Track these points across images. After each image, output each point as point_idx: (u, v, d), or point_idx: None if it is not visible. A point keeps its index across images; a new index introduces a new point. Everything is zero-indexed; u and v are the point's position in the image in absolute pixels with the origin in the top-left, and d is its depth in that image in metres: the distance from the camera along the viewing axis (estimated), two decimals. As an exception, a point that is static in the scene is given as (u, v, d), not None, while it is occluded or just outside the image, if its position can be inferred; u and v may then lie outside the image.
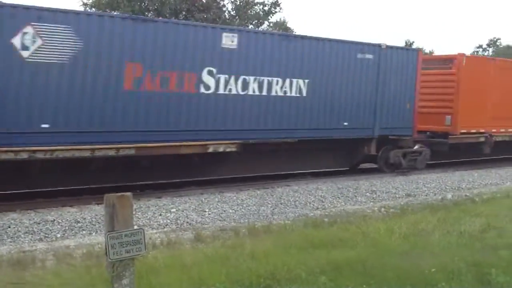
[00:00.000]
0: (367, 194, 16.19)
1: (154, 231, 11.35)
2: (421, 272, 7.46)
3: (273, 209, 13.73)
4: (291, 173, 19.07)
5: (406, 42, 75.08)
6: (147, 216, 12.38)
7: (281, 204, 14.34)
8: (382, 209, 13.91)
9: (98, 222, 11.44)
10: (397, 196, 16.25)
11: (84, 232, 11.18)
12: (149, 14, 33.44)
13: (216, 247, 9.38)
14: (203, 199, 14.35)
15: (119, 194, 5.41)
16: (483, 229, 10.55)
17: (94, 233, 11.02)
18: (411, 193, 16.72)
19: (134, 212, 11.75)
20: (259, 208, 13.70)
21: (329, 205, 14.67)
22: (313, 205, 14.53)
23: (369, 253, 8.50)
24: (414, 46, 71.48)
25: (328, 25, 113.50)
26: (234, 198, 14.63)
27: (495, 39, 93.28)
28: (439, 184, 18.39)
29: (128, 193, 5.47)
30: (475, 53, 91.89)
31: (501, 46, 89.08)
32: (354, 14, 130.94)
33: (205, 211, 13.14)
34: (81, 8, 33.28)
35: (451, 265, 7.74)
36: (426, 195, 16.60)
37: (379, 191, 16.60)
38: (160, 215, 12.61)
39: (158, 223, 12.04)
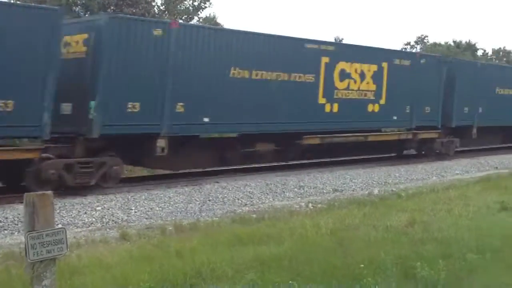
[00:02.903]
0: (295, 189, 16.28)
1: (79, 229, 11.15)
2: (348, 267, 7.50)
3: (201, 206, 13.64)
4: (220, 169, 19.00)
5: (335, 39, 75.96)
6: (71, 215, 12.13)
7: (209, 201, 14.26)
8: (310, 205, 14.01)
9: (21, 222, 11.12)
10: (324, 191, 16.39)
11: (5, 232, 10.88)
12: (77, 8, 32.76)
13: (141, 245, 9.27)
14: (130, 197, 14.11)
15: (40, 192, 5.27)
16: (408, 223, 10.71)
17: (16, 233, 10.74)
18: (338, 188, 16.90)
19: (58, 211, 11.62)
20: (186, 205, 13.60)
21: (257, 201, 14.69)
22: (242, 201, 14.52)
23: (297, 248, 8.52)
24: (344, 42, 72.48)
25: (258, 20, 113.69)
26: (161, 195, 14.44)
27: (422, 37, 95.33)
28: (366, 179, 18.64)
29: (49, 192, 5.33)
30: (404, 49, 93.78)
31: (429, 44, 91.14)
32: (284, 10, 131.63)
33: (132, 209, 12.96)
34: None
35: (377, 260, 7.80)
36: (353, 190, 16.81)
37: (307, 187, 16.71)
38: (85, 213, 12.37)
39: (83, 221, 11.82)
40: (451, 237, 9.49)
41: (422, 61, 24.04)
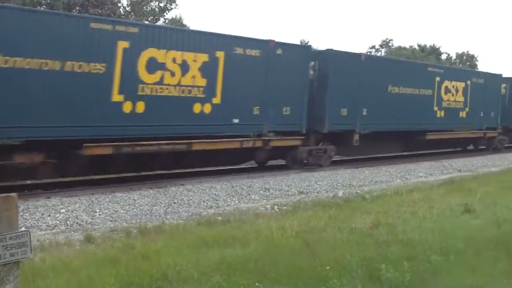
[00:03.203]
0: (261, 192, 16.28)
1: (43, 232, 11.01)
2: (314, 269, 7.53)
3: (166, 209, 13.56)
4: (185, 171, 18.94)
5: (301, 42, 76.29)
6: (35, 217, 11.97)
7: (174, 203, 14.19)
8: (275, 207, 14.02)
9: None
10: (289, 193, 16.42)
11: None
12: (42, 8, 32.47)
13: (106, 248, 9.19)
14: (94, 199, 13.99)
15: (4, 195, 5.17)
16: (373, 225, 10.80)
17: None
18: (304, 190, 16.94)
19: (21, 213, 11.46)
20: (151, 208, 13.51)
21: (223, 203, 14.66)
22: (207, 203, 14.48)
23: (262, 251, 8.53)
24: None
25: (224, 22, 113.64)
26: (126, 198, 14.34)
27: (387, 40, 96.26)
28: (331, 182, 18.71)
29: (13, 194, 5.24)
30: (369, 53, 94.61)
31: (393, 47, 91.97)
32: (249, 12, 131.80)
33: (96, 212, 12.84)
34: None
35: (343, 262, 7.85)
36: (318, 193, 16.86)
37: (273, 189, 16.73)
38: (49, 215, 12.22)
39: (47, 224, 11.67)
40: (416, 239, 9.59)
41: (278, 51, 19.79)
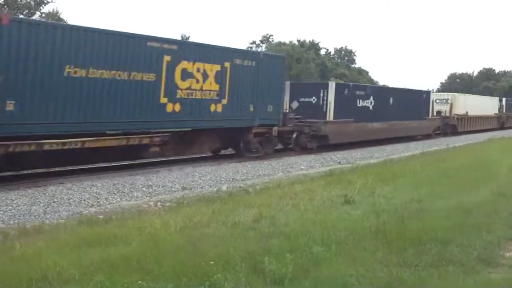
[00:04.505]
0: (144, 189, 16.11)
1: None
2: (198, 264, 7.51)
3: (45, 208, 13.18)
4: (64, 169, 18.44)
5: (182, 36, 76.21)
6: None
7: (54, 202, 13.81)
8: (159, 204, 13.92)
9: None
10: (173, 189, 16.34)
11: None
12: None
13: (-18, 251, 8.81)
14: (-32, 200, 13.41)
15: None
16: (256, 219, 10.92)
17: None
18: (187, 186, 16.89)
19: None
20: (30, 208, 13.08)
21: (105, 201, 14.40)
22: (88, 202, 14.18)
23: (146, 248, 8.44)
24: (190, 40, 73.17)
25: (103, 16, 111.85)
26: (3, 198, 13.80)
27: (267, 36, 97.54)
28: (215, 177, 18.77)
29: None
30: (249, 48, 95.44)
31: (274, 43, 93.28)
32: (129, 7, 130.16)
33: (-30, 213, 12.31)
34: None
35: (227, 256, 7.89)
36: (202, 188, 16.87)
37: (155, 186, 16.59)
38: None
39: None
40: (298, 231, 9.75)
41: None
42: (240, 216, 11.09)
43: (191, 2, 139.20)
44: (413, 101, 38.99)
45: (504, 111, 61.74)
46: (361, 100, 32.49)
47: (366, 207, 12.33)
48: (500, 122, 60.47)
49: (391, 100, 35.69)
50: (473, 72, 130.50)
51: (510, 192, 14.37)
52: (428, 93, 44.14)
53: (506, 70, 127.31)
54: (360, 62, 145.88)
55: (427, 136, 41.30)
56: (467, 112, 49.97)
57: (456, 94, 54.74)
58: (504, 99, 64.28)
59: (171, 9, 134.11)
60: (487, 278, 7.80)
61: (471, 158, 24.88)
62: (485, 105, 56.77)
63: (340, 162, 24.77)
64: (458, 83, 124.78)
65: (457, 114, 48.44)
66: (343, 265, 7.91)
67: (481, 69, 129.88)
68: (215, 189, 16.45)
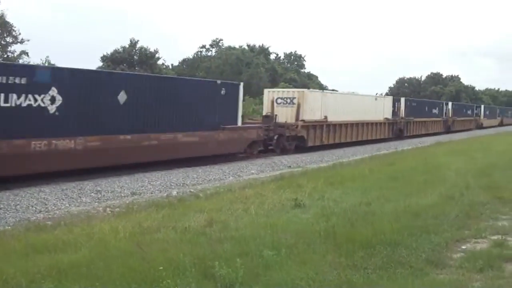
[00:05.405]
0: (92, 194, 15.95)
1: None
2: (147, 270, 7.46)
3: (-9, 215, 12.93)
4: (11, 176, 18.09)
5: (131, 40, 75.95)
6: None
7: (0, 209, 13.55)
8: (108, 209, 13.80)
9: None
10: (122, 195, 16.22)
11: None
12: None
13: None
14: None
15: None
16: (207, 223, 10.86)
17: None
18: (137, 191, 16.78)
19: None
20: (-25, 215, 12.83)
21: (53, 207, 14.21)
22: (36, 208, 13.98)
23: (95, 254, 8.35)
24: (138, 45, 73.30)
25: (50, 24, 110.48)
26: None
27: (217, 40, 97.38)
28: (165, 182, 18.69)
29: None
30: (199, 53, 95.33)
31: (224, 47, 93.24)
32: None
33: None
34: None
35: (176, 261, 7.83)
36: (152, 193, 16.77)
37: (104, 191, 16.44)
38: None
39: None
40: (248, 235, 9.73)
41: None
42: (190, 221, 11.03)
43: (141, 5, 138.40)
44: (193, 99, 24.32)
45: (404, 115, 47.94)
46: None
47: (316, 211, 12.36)
48: (395, 130, 46.13)
49: (121, 96, 20.43)
50: (421, 77, 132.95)
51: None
52: (235, 86, 28.32)
53: (453, 75, 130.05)
54: (310, 67, 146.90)
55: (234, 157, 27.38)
56: (326, 117, 34.63)
57: (307, 90, 36.77)
58: (403, 99, 50.70)
59: (119, 14, 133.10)
60: (435, 279, 7.91)
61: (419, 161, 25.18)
62: (364, 107, 40.54)
63: (290, 166, 24.90)
64: (406, 87, 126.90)
65: (305, 121, 32.63)
66: (293, 269, 7.93)
67: (429, 73, 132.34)
68: (165, 194, 16.38)
